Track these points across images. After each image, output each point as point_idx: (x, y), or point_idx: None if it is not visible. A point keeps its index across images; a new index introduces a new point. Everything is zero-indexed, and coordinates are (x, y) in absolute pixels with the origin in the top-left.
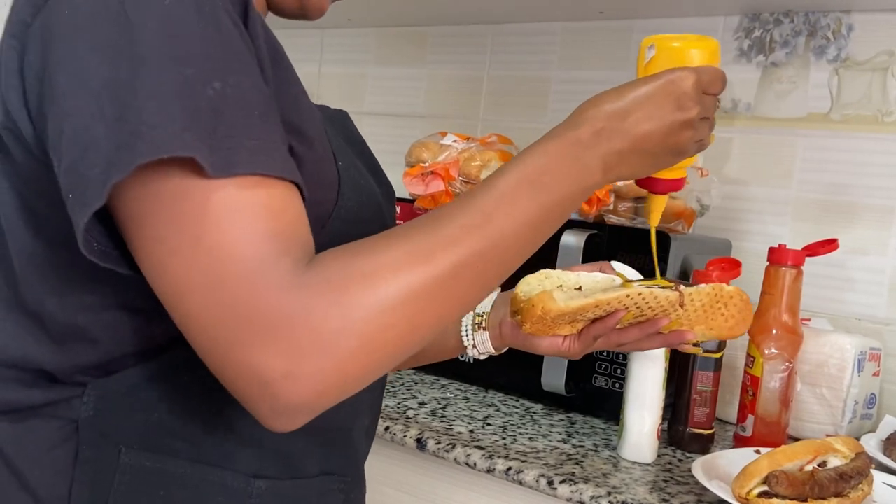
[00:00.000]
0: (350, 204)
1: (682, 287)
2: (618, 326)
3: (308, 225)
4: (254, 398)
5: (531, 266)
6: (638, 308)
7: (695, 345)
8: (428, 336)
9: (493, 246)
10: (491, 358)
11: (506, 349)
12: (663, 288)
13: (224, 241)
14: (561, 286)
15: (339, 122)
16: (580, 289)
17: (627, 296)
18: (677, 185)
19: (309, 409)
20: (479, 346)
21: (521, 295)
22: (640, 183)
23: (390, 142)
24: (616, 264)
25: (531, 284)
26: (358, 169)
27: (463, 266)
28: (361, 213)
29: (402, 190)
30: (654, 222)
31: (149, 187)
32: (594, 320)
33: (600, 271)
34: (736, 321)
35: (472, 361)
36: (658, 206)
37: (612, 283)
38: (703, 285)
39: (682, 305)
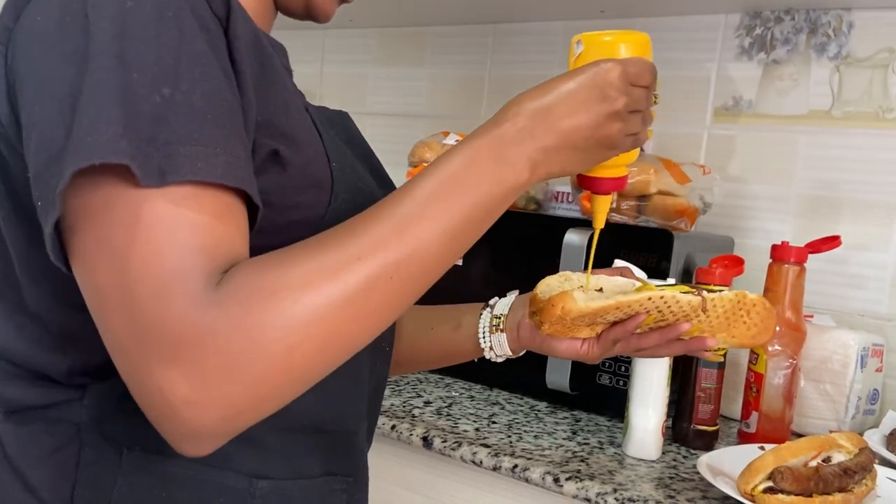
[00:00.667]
0: (345, 206)
1: (704, 292)
2: (637, 331)
3: (244, 236)
4: (159, 420)
5: (537, 268)
6: (659, 312)
7: (716, 352)
8: (346, 353)
9: (410, 256)
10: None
11: (523, 352)
12: (685, 293)
13: (141, 256)
14: (581, 287)
15: (340, 123)
16: (601, 290)
17: (649, 299)
18: (619, 184)
19: (218, 434)
20: (497, 348)
21: (540, 295)
22: (580, 183)
23: (392, 142)
24: (631, 267)
25: (551, 285)
26: (356, 170)
27: (375, 280)
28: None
29: None
30: (598, 224)
31: (84, 196)
32: (614, 323)
33: (621, 276)
34: (758, 329)
35: (476, 361)
36: (602, 207)
37: (633, 287)
38: (726, 291)
39: (704, 311)
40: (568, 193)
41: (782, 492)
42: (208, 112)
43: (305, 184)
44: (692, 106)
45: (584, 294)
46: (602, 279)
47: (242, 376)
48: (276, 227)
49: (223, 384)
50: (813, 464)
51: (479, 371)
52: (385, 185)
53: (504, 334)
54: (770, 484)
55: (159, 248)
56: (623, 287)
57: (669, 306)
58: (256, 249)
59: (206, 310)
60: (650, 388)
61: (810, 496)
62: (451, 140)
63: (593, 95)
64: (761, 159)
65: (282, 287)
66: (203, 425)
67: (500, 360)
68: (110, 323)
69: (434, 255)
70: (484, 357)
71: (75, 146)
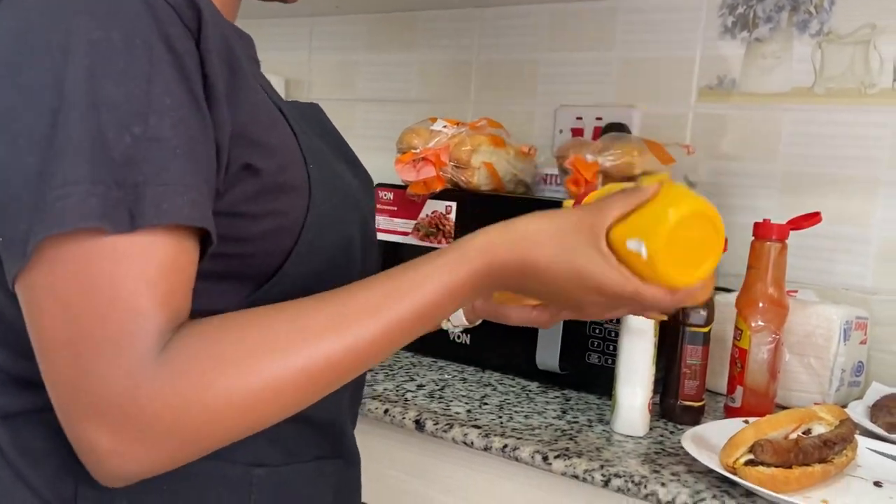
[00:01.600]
0: (324, 209)
1: None
2: None
3: (190, 285)
4: (86, 463)
5: None
6: None
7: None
8: (261, 428)
9: (344, 356)
10: (487, 338)
11: (479, 321)
12: None
13: (90, 314)
14: None
15: (313, 116)
16: None
17: None
18: None
19: (140, 478)
20: (453, 318)
21: None
22: None
23: (384, 127)
24: None
25: None
26: (333, 168)
27: (302, 374)
28: (336, 215)
29: (394, 177)
30: None
31: (44, 247)
32: None
33: None
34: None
35: (458, 339)
36: None
37: None
38: None
39: None
40: (556, 176)
41: (763, 464)
42: (178, 145)
43: (280, 190)
44: (677, 86)
45: None
46: None
47: (164, 444)
48: (250, 236)
49: (145, 448)
50: (793, 436)
51: (471, 353)
52: (359, 175)
53: None
54: (751, 457)
55: (109, 306)
56: None
57: None
58: (232, 258)
59: (141, 377)
60: (636, 366)
61: (790, 467)
62: (438, 126)
63: (589, 292)
64: (746, 137)
65: (215, 363)
66: (123, 474)
67: (457, 330)
68: (51, 366)
69: (367, 356)
70: (441, 328)
71: (47, 209)
